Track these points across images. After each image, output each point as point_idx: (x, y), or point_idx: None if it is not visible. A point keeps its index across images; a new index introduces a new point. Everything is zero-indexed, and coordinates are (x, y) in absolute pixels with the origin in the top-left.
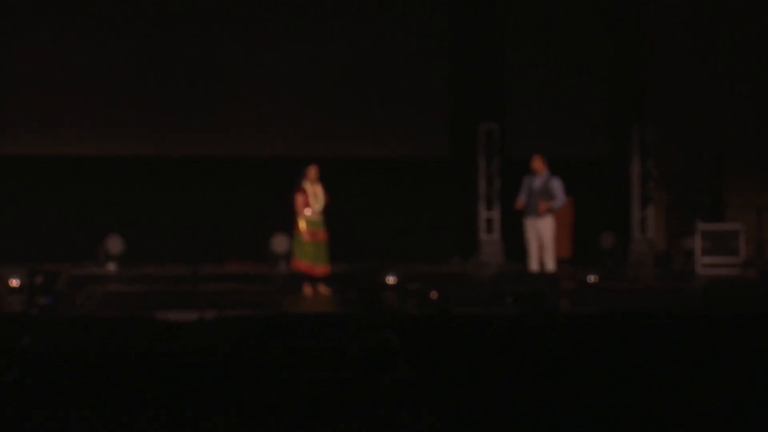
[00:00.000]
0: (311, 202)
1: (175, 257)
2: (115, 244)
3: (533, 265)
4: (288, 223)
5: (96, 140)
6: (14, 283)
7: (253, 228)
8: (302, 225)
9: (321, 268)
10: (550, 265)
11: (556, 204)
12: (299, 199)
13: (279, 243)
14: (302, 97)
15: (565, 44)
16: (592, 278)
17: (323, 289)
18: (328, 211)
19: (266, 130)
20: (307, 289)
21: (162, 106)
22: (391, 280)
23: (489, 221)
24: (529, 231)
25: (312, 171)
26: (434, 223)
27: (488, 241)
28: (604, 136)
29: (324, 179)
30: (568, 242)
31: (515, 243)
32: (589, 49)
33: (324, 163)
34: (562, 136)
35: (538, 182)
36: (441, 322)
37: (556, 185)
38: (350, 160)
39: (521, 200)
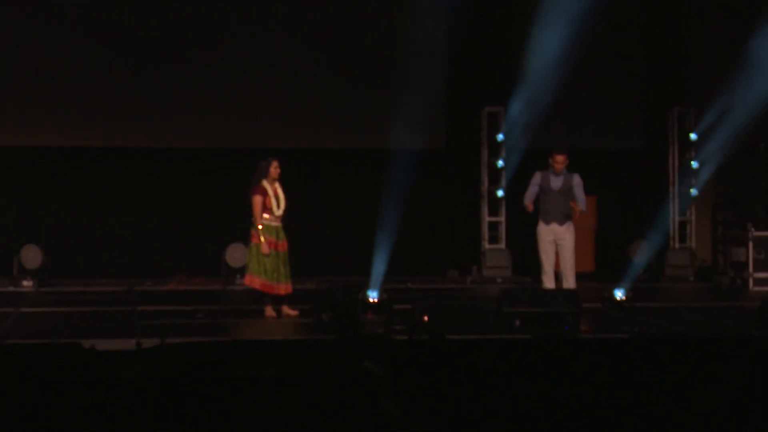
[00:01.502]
0: (271, 204)
1: (108, 273)
2: (31, 257)
3: (548, 281)
4: (245, 231)
5: (9, 129)
6: None
7: (204, 237)
8: (259, 234)
9: (284, 286)
10: (570, 280)
11: (582, 206)
12: (257, 201)
13: (235, 255)
14: (273, 82)
15: (590, 15)
16: (619, 296)
17: (289, 311)
18: (289, 215)
19: (227, 117)
20: (270, 311)
21: (97, 90)
22: (373, 298)
23: (493, 227)
24: (545, 240)
25: (273, 166)
26: (427, 228)
27: (492, 250)
28: (636, 123)
29: (288, 176)
30: (589, 252)
31: (525, 253)
32: (620, 19)
33: (286, 155)
34: (582, 121)
35: (558, 181)
36: (434, 349)
37: (580, 185)
38: (319, 152)
39: (530, 200)
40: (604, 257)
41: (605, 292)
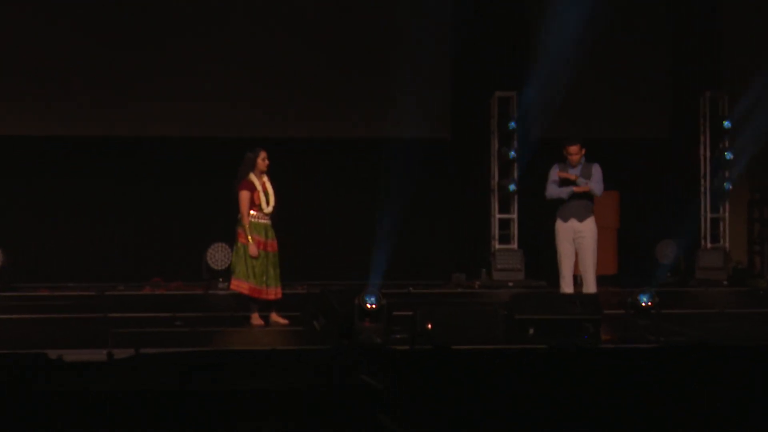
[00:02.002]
0: (260, 200)
1: (77, 276)
2: None
3: (566, 286)
4: (228, 230)
5: None
6: None
7: (183, 236)
8: (247, 233)
9: (273, 291)
10: (590, 284)
11: (595, 188)
12: (244, 196)
13: (217, 256)
14: (263, 66)
15: None
16: (644, 301)
17: (278, 318)
18: (279, 212)
19: (212, 104)
20: (256, 319)
21: (59, 76)
22: (370, 304)
23: (504, 224)
24: (563, 239)
25: (261, 158)
26: (430, 226)
27: (503, 251)
28: (663, 109)
29: (277, 168)
30: (611, 253)
31: (540, 254)
32: None
33: (275, 145)
34: (603, 108)
35: (574, 172)
36: (438, 361)
37: (598, 173)
38: (311, 142)
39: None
40: (628, 259)
41: (629, 297)
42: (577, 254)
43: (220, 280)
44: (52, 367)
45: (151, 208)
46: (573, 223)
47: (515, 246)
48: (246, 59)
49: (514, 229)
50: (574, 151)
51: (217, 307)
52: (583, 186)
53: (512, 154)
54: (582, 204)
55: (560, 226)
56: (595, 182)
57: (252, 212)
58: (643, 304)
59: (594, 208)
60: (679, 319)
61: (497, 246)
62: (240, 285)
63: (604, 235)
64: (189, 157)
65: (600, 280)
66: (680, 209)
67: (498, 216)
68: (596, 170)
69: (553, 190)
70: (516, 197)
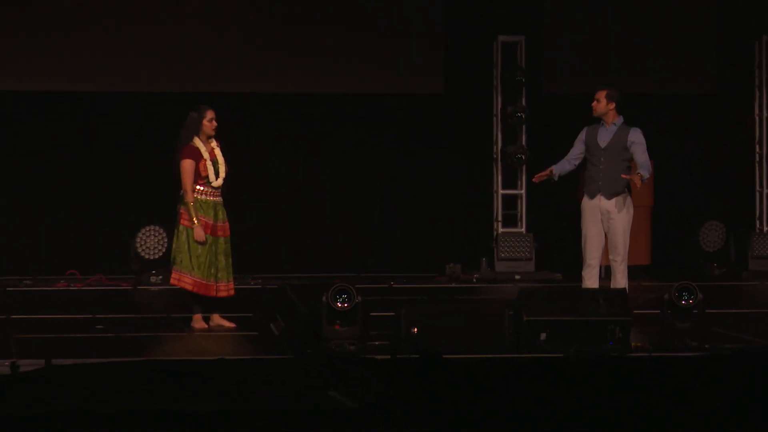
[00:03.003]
0: (207, 171)
1: None
2: None
3: (589, 278)
4: (164, 210)
5: None
6: None
7: (106, 219)
8: (191, 212)
9: (224, 287)
10: (619, 277)
11: (645, 173)
12: (187, 166)
13: (149, 242)
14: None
15: None
16: (685, 299)
17: (223, 321)
18: (230, 186)
19: (139, 53)
20: (199, 321)
21: None
22: (342, 302)
23: (510, 202)
24: (588, 219)
25: (208, 119)
26: (417, 204)
27: (508, 235)
28: (709, 57)
29: (226, 128)
30: (644, 239)
31: (555, 239)
32: None
33: (222, 101)
34: (634, 56)
35: (607, 135)
36: (427, 373)
37: (639, 141)
38: (275, 97)
39: (565, 163)
40: (665, 245)
41: (665, 293)
42: (607, 239)
43: (153, 272)
44: None
45: (64, 181)
46: (600, 200)
47: (523, 229)
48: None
49: (522, 208)
50: (597, 96)
51: (148, 306)
52: (636, 178)
53: (520, 114)
54: (611, 177)
55: (586, 204)
56: (642, 166)
57: (197, 186)
58: (684, 303)
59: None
60: (728, 321)
61: (501, 229)
62: (182, 279)
63: (636, 215)
64: (113, 118)
65: (631, 271)
66: (729, 184)
67: (501, 192)
68: (637, 137)
69: (568, 156)
70: (525, 168)
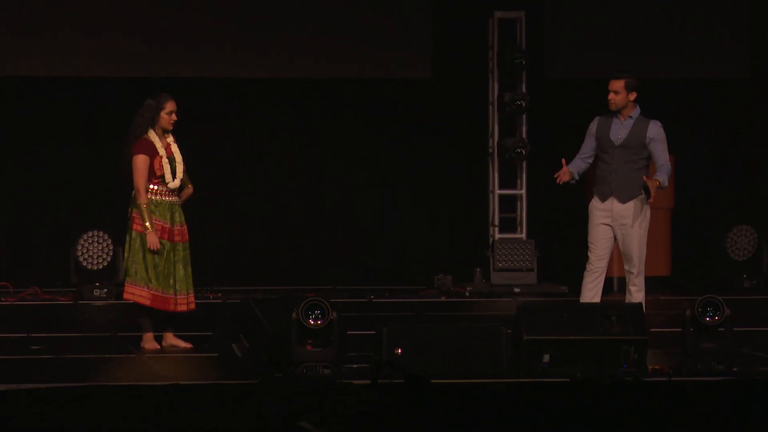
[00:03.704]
0: (162, 169)
1: None
2: None
3: (590, 286)
4: (109, 213)
5: None
6: None
7: (41, 223)
8: (145, 216)
9: (184, 300)
10: (635, 290)
11: (664, 178)
12: (140, 163)
13: (92, 251)
14: None
15: None
16: (711, 315)
17: (177, 341)
18: (194, 186)
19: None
20: (150, 341)
21: None
22: (314, 319)
23: (509, 204)
24: (596, 224)
25: (167, 110)
26: (401, 206)
27: (507, 241)
28: (740, 39)
29: (186, 116)
30: (663, 247)
31: (559, 246)
32: None
33: (182, 86)
34: (653, 37)
35: (622, 130)
36: (413, 400)
37: (659, 137)
38: (243, 82)
39: (578, 162)
40: (687, 254)
41: (687, 308)
42: (619, 248)
43: (96, 285)
44: None
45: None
46: (613, 203)
47: (523, 235)
48: None
49: (523, 211)
50: (614, 87)
51: (91, 324)
52: (652, 186)
53: (519, 102)
54: (625, 177)
55: (595, 206)
56: (662, 167)
57: (151, 186)
58: (708, 319)
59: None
60: (760, 340)
61: (497, 235)
62: (138, 293)
63: (653, 219)
64: (48, 105)
65: (648, 283)
66: (763, 181)
67: (498, 192)
68: (657, 133)
69: (580, 154)
70: (525, 165)
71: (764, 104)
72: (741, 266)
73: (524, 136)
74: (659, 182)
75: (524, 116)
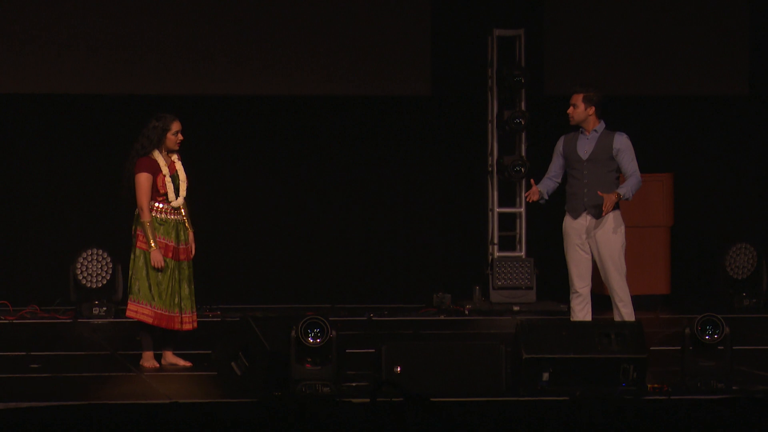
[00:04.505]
0: (166, 188)
1: None
2: None
3: (579, 308)
4: (109, 231)
5: None
6: None
7: (41, 240)
8: (149, 234)
9: (189, 318)
10: (622, 307)
11: (626, 191)
12: (143, 181)
13: (92, 268)
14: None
15: None
16: (710, 333)
17: (176, 360)
18: (193, 204)
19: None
20: (150, 360)
21: None
22: (314, 337)
23: (508, 222)
24: (572, 242)
25: (173, 131)
26: (401, 224)
27: (506, 260)
28: (739, 56)
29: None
30: (662, 264)
31: (559, 265)
32: None
33: (182, 103)
34: (652, 53)
35: (588, 145)
36: (412, 419)
37: (625, 148)
38: (241, 99)
39: (547, 181)
40: (686, 272)
41: (686, 327)
42: (597, 264)
43: (96, 303)
44: None
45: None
46: (586, 220)
47: (523, 253)
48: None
49: (522, 229)
50: (573, 101)
51: (90, 342)
52: (608, 202)
53: (518, 120)
54: (595, 192)
55: (568, 224)
56: (631, 176)
57: (155, 204)
58: (708, 338)
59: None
60: (759, 359)
61: (497, 253)
62: (141, 311)
63: (652, 237)
64: (49, 122)
65: (647, 302)
66: (761, 201)
67: (498, 210)
68: (622, 144)
69: (548, 172)
70: (524, 183)
71: (763, 121)
72: (740, 284)
73: (523, 153)
74: (620, 194)
75: (523, 134)
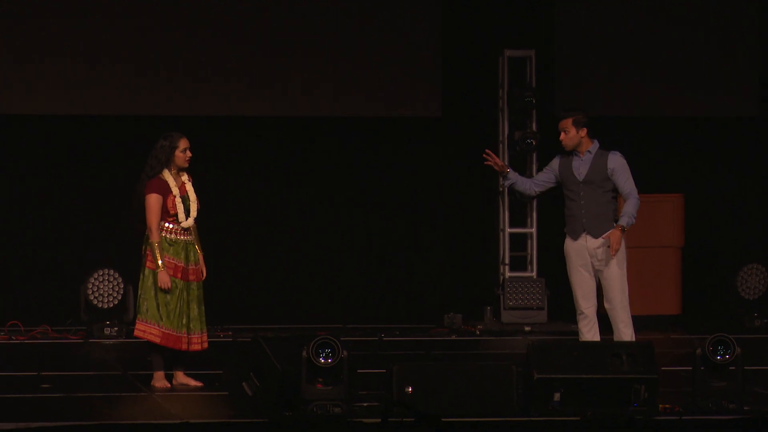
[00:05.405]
0: (176, 208)
1: None
2: None
3: (587, 329)
4: (119, 251)
5: None
6: None
7: (52, 260)
8: (157, 255)
9: (197, 339)
10: (621, 327)
11: (628, 219)
12: (153, 202)
13: (102, 288)
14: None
15: None
16: (722, 353)
17: (188, 380)
18: (204, 225)
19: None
20: (161, 380)
21: None
22: (325, 358)
23: (519, 243)
24: (575, 264)
25: (181, 149)
26: (411, 246)
27: (517, 280)
28: (749, 76)
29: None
30: (673, 285)
31: (570, 287)
32: None
33: (189, 124)
34: (663, 74)
35: (583, 166)
36: None
37: (620, 167)
38: (247, 120)
39: (530, 182)
40: (697, 292)
41: (698, 347)
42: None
43: (107, 323)
44: None
45: (2, 219)
46: (587, 241)
47: (534, 273)
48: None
49: (533, 250)
50: (563, 126)
51: (101, 362)
52: (614, 241)
53: (530, 141)
54: (595, 213)
55: (570, 246)
56: (629, 196)
57: (165, 224)
58: (719, 358)
59: (618, 213)
60: None
61: (508, 273)
62: (148, 330)
63: (663, 257)
64: (60, 143)
65: (658, 322)
66: None
67: (509, 230)
68: (617, 164)
69: (534, 179)
70: (535, 204)
71: None
72: (752, 304)
73: (534, 174)
74: (623, 227)
75: (534, 154)
